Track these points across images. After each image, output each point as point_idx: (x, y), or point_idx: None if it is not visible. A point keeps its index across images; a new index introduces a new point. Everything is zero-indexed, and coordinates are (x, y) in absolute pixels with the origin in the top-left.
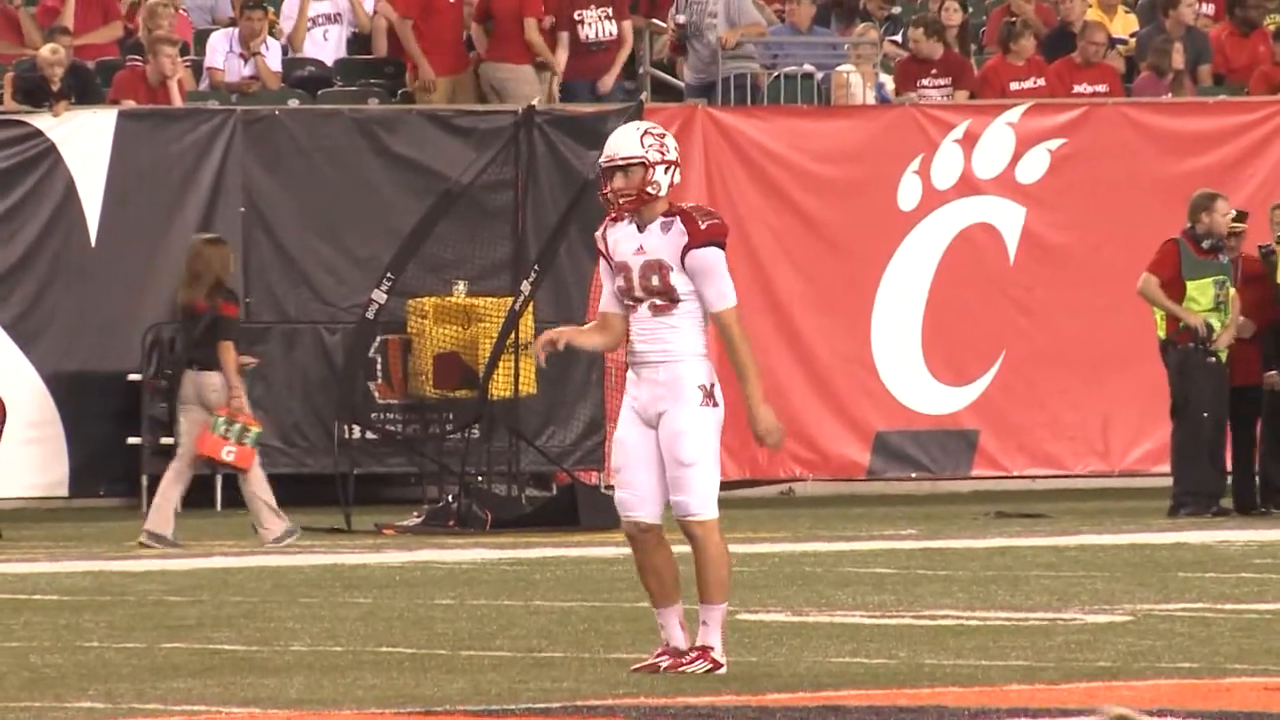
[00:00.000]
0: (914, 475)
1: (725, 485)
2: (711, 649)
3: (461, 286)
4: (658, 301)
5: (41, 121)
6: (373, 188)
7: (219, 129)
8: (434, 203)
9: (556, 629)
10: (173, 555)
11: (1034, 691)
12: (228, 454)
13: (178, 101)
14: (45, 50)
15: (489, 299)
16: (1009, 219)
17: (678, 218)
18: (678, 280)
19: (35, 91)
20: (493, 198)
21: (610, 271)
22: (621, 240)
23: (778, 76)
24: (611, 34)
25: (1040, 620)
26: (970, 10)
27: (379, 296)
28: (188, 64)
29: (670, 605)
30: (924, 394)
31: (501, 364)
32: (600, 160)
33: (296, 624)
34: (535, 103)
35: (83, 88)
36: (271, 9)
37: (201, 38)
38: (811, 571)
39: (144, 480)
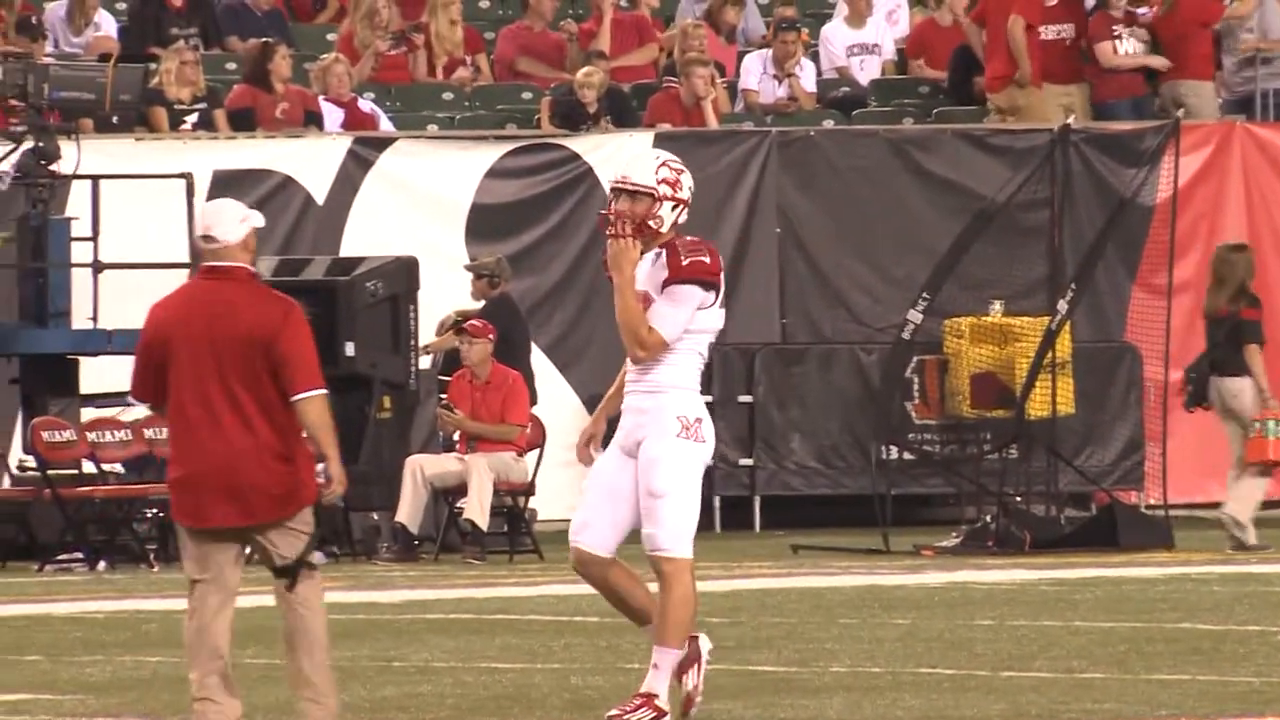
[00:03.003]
0: None
1: (1267, 505)
2: (656, 696)
3: (998, 306)
4: None
5: (579, 144)
6: (907, 207)
7: (754, 150)
8: (970, 222)
9: (1097, 649)
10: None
11: None
12: None
13: (713, 123)
14: (580, 73)
15: (1025, 318)
16: None
17: (665, 250)
18: None
19: (571, 114)
20: (1028, 216)
21: None
22: None
23: None
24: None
25: None
26: None
27: (915, 316)
28: (724, 85)
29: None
30: None
31: (1039, 383)
32: (613, 178)
33: (835, 645)
34: (1070, 120)
35: (618, 110)
36: (806, 30)
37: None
38: None
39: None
